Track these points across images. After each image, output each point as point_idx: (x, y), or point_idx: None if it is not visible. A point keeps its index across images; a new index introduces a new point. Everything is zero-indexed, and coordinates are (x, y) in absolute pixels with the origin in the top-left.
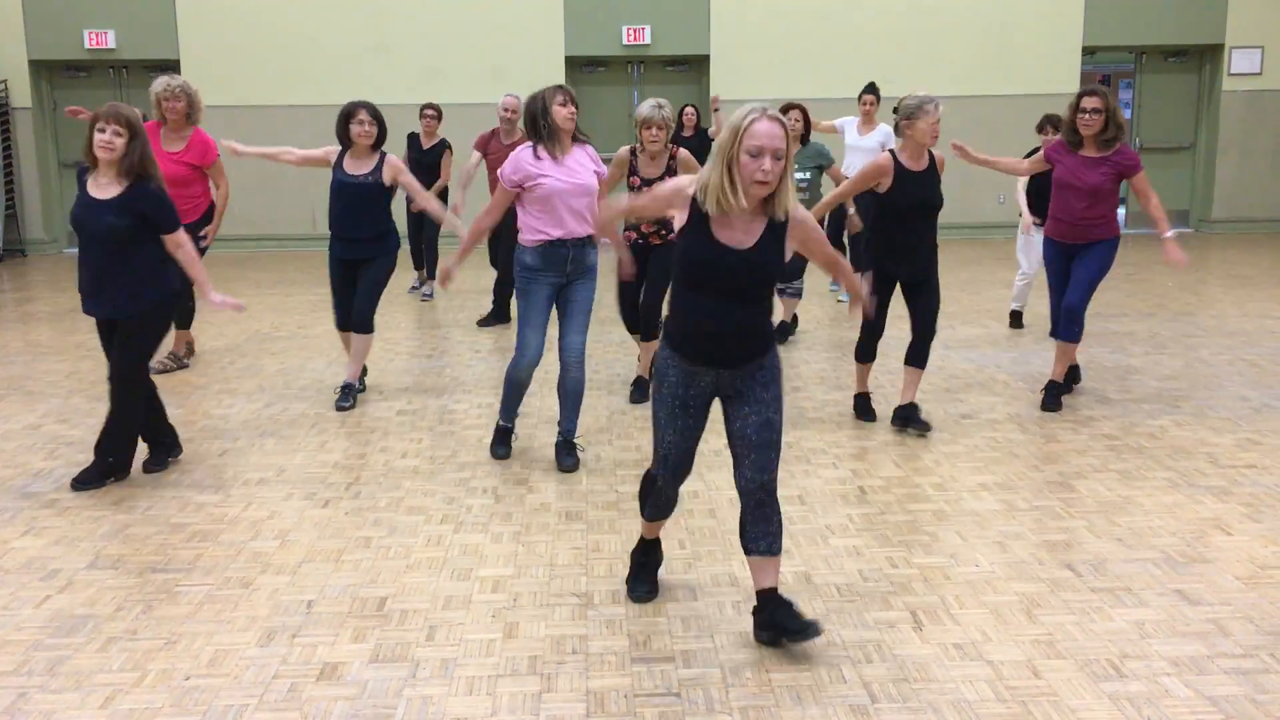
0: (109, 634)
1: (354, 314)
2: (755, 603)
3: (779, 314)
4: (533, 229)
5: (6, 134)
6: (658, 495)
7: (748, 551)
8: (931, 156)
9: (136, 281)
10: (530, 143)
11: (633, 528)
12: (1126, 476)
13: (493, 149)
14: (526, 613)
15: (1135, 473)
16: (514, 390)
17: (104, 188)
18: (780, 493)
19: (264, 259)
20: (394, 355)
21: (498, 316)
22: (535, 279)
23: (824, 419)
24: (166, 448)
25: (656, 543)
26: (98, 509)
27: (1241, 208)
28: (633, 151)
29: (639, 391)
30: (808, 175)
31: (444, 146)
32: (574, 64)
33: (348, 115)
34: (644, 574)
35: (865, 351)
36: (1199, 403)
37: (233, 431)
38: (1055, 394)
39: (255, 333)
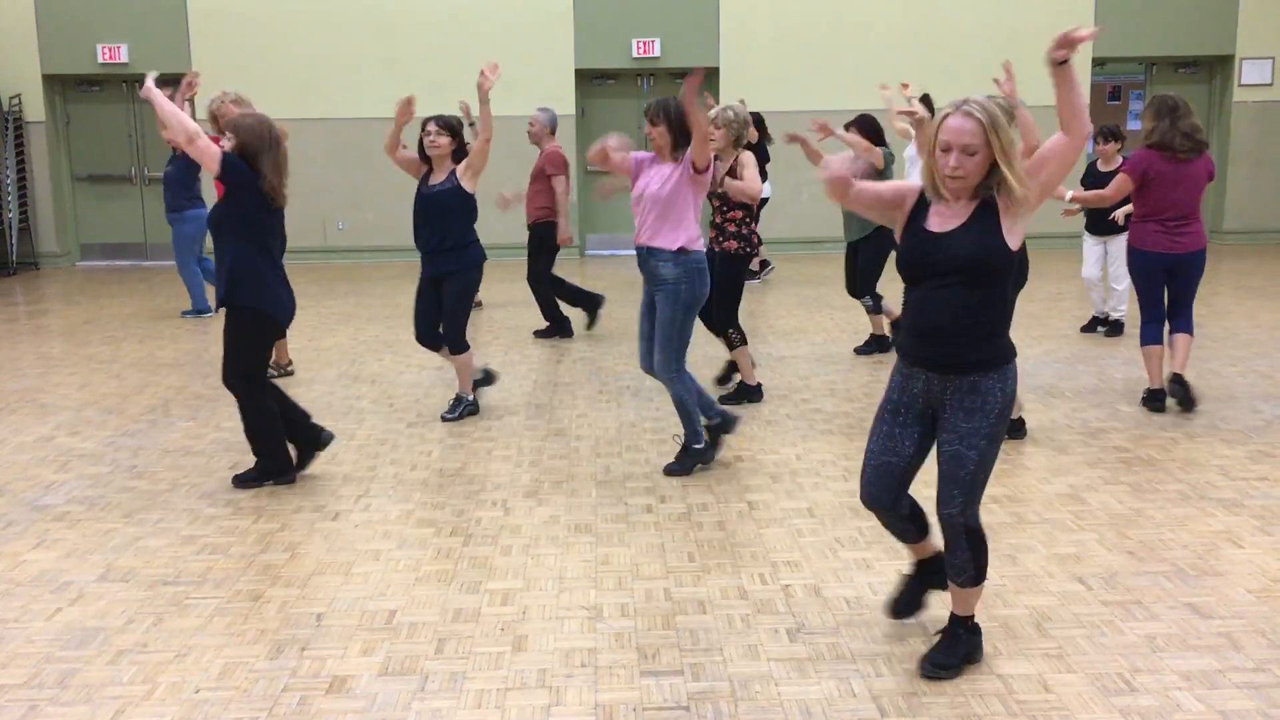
0: (119, 647)
1: (445, 335)
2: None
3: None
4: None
5: (20, 148)
6: (869, 508)
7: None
8: None
9: (230, 271)
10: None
11: (643, 540)
12: (1137, 489)
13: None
14: (535, 626)
15: (1146, 485)
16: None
17: None
18: (788, 505)
19: None
20: (404, 368)
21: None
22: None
23: (833, 431)
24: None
25: (921, 563)
26: (108, 522)
27: (1253, 218)
28: None
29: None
30: None
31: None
32: (584, 76)
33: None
34: (909, 590)
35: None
36: (1210, 415)
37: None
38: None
39: None
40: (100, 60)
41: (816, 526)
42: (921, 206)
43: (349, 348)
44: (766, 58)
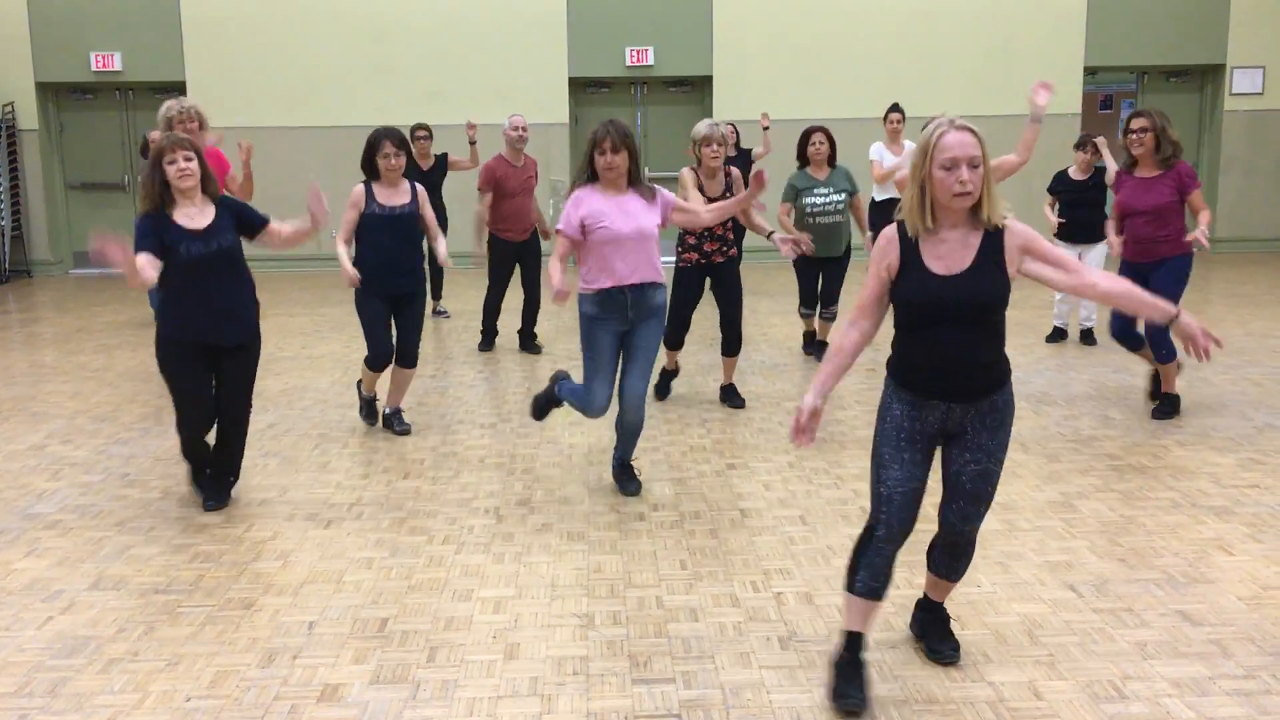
0: (110, 655)
1: (407, 349)
2: (921, 598)
3: (820, 334)
4: (589, 276)
5: (13, 156)
6: (874, 555)
7: (930, 568)
8: None
9: (249, 304)
10: (583, 185)
11: (635, 548)
12: (1128, 496)
13: (501, 175)
14: (528, 634)
15: (1137, 493)
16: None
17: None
18: (780, 513)
19: (267, 280)
20: None
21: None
22: (597, 326)
23: (826, 438)
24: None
25: (861, 638)
26: (100, 530)
27: (1244, 227)
28: (694, 171)
29: (735, 398)
30: (841, 198)
31: (443, 159)
32: (577, 85)
33: (373, 147)
34: (853, 674)
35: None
36: (1202, 422)
37: None
38: (1168, 405)
39: None
40: (94, 68)
41: (808, 534)
42: (909, 244)
43: (342, 355)
44: (759, 67)
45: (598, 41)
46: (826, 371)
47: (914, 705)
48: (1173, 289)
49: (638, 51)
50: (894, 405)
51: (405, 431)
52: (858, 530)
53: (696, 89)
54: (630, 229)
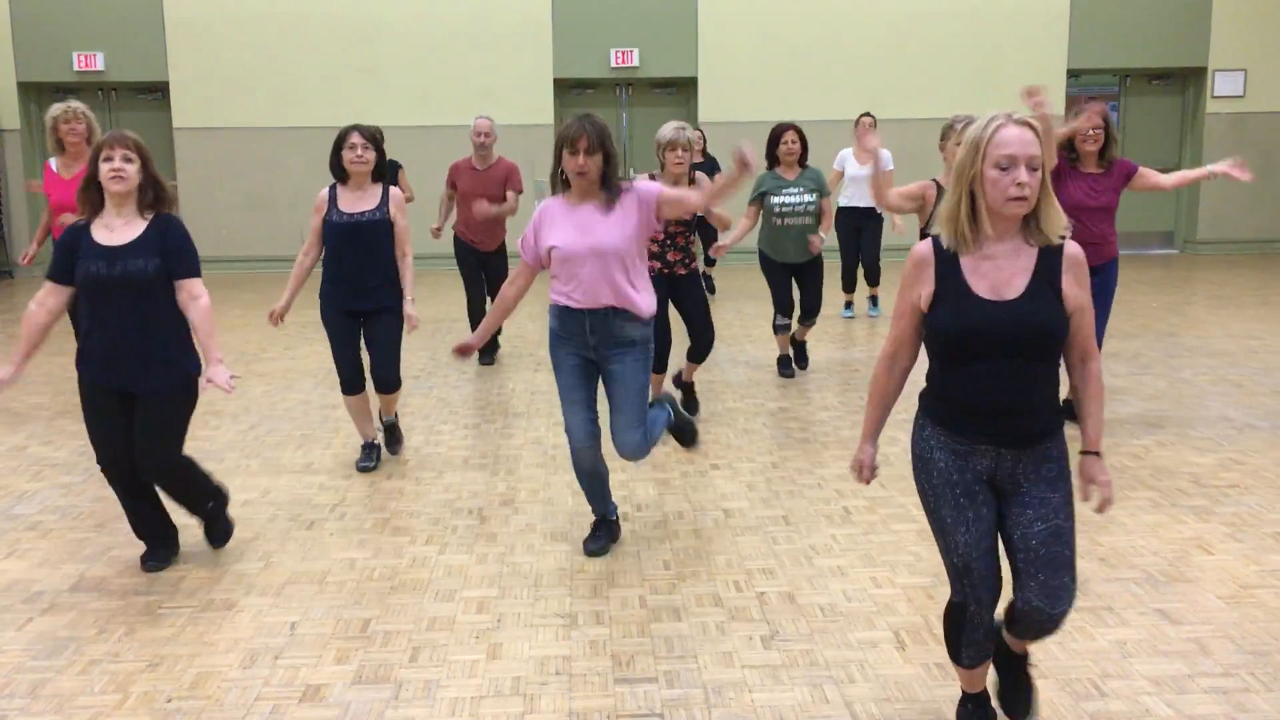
0: (91, 656)
1: (380, 373)
2: (1000, 655)
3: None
4: (553, 286)
5: None
6: (972, 629)
7: (1010, 633)
8: None
9: (168, 346)
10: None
11: (618, 547)
12: None
13: (464, 178)
14: (510, 633)
15: (1118, 492)
16: (585, 482)
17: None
18: (763, 513)
19: (252, 280)
20: None
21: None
22: (558, 344)
23: (809, 439)
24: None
25: (984, 697)
26: (81, 531)
27: (1226, 229)
28: (652, 176)
29: (691, 399)
30: (813, 199)
31: (395, 168)
32: (563, 86)
33: (339, 140)
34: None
35: None
36: (1182, 423)
37: (218, 453)
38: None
39: (242, 354)
40: (76, 68)
41: (791, 534)
42: (947, 263)
43: (326, 356)
44: (746, 69)
45: (583, 43)
46: (873, 418)
47: (895, 703)
48: (1106, 302)
49: (623, 53)
50: (935, 454)
51: (395, 451)
52: (840, 530)
53: (682, 91)
54: (583, 246)
